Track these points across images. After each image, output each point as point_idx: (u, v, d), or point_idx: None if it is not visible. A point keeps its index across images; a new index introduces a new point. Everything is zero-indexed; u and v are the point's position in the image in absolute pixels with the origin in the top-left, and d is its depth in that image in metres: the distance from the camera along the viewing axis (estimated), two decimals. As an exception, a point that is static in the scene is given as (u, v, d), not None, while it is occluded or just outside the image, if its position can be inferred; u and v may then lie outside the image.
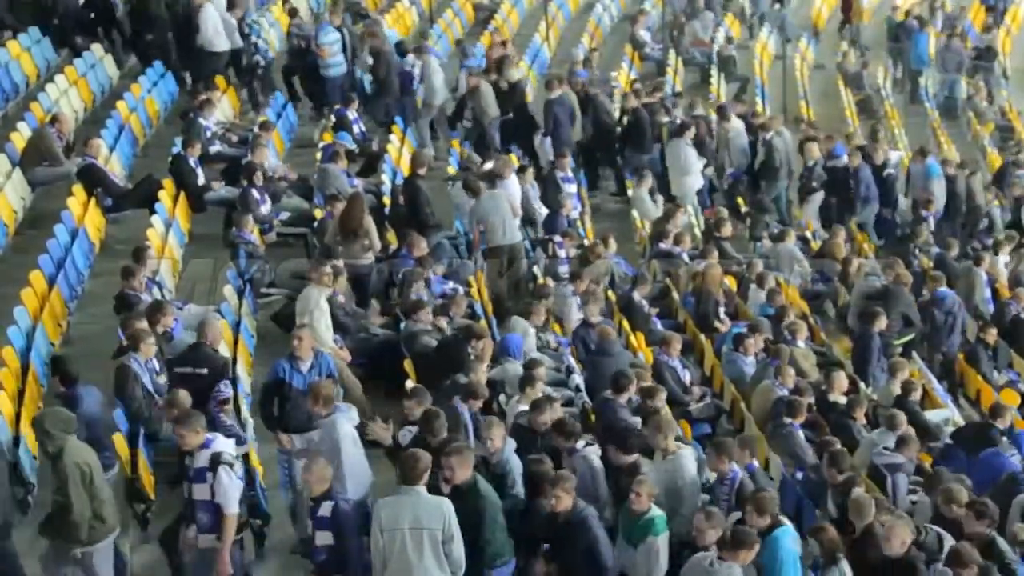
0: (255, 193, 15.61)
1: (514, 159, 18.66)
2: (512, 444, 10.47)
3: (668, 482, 10.33)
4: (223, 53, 19.81)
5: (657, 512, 9.69)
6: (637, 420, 11.48)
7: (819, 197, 19.73)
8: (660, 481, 10.25)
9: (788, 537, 9.58)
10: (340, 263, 13.77)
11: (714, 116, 20.85)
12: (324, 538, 9.22)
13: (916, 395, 13.56)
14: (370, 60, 20.10)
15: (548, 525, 9.74)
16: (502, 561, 9.53)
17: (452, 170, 18.33)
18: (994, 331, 15.95)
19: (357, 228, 14.42)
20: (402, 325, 13.29)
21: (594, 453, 10.62)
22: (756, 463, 11.23)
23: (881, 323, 14.86)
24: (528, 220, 16.91)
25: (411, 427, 10.48)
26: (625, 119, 19.77)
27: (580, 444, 10.60)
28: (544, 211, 17.36)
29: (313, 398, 10.37)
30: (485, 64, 21.08)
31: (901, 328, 15.55)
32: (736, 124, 20.08)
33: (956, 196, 19.96)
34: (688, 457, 10.53)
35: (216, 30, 19.55)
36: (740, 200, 19.95)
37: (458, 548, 9.01)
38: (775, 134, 19.83)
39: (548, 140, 19.00)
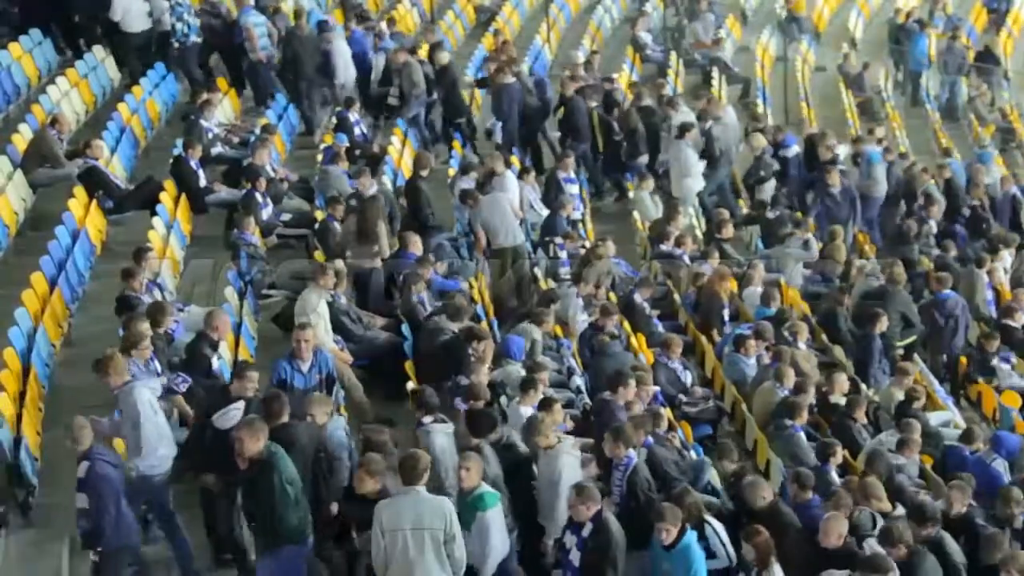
0: (258, 196, 15.61)
1: (515, 160, 18.65)
2: (340, 421, 10.30)
3: (546, 477, 10.18)
4: (138, 34, 19.56)
5: (486, 488, 9.47)
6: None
7: (770, 186, 19.67)
8: (539, 476, 10.23)
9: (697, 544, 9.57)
10: (341, 264, 13.76)
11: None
12: (80, 500, 9.01)
13: (920, 403, 13.48)
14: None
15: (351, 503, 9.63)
16: (298, 540, 9.24)
17: (452, 172, 18.33)
18: (995, 335, 15.87)
19: (370, 232, 14.43)
20: (403, 327, 13.31)
21: (441, 430, 10.41)
22: (634, 454, 10.54)
23: (882, 324, 14.83)
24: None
25: (237, 406, 10.22)
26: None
27: (428, 419, 10.42)
28: (544, 212, 17.35)
29: (101, 372, 10.09)
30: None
31: (901, 329, 15.52)
32: (679, 117, 19.69)
33: (896, 185, 19.94)
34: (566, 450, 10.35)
35: (127, 9, 19.29)
36: (740, 201, 19.94)
37: (460, 548, 9.01)
38: (714, 121, 19.71)
39: (500, 124, 18.96)
